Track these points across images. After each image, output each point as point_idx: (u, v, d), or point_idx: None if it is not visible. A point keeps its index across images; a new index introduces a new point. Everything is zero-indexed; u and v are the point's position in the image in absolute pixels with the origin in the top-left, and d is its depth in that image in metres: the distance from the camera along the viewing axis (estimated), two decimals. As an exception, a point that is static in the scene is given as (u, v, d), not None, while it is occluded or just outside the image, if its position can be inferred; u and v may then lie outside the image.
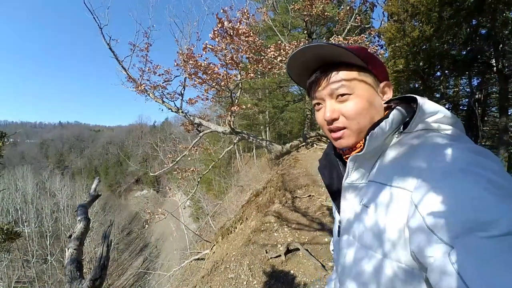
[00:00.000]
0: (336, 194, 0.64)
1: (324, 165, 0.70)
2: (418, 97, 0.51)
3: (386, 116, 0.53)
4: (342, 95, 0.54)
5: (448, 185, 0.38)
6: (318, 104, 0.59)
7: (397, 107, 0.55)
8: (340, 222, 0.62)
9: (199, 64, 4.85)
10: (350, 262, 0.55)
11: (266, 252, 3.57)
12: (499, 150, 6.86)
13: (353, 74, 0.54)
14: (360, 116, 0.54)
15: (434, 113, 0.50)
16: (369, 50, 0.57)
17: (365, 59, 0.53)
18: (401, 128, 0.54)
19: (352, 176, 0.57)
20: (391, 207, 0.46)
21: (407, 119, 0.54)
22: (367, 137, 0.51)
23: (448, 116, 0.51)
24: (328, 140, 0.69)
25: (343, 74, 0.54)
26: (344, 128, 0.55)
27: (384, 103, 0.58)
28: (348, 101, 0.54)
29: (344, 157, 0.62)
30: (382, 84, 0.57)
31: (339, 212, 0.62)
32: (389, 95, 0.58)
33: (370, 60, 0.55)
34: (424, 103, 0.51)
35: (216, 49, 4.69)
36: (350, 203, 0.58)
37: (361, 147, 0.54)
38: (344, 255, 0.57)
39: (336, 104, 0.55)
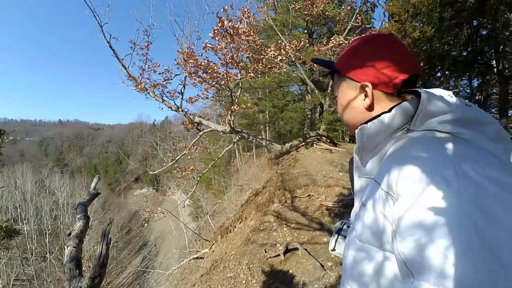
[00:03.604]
0: None
1: (352, 161, 0.70)
2: (423, 93, 0.48)
3: (389, 111, 0.51)
4: (336, 96, 0.65)
5: (412, 215, 0.38)
6: None
7: (406, 101, 0.52)
8: None
9: (199, 63, 4.84)
10: (350, 262, 0.54)
11: (265, 252, 3.58)
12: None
13: (336, 79, 0.64)
14: (342, 115, 0.63)
15: (442, 113, 0.46)
16: (361, 44, 0.58)
17: (341, 66, 0.60)
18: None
19: (361, 170, 0.59)
20: (380, 208, 0.46)
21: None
22: (356, 131, 0.55)
23: (462, 118, 0.46)
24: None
25: (334, 79, 0.65)
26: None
27: (401, 95, 0.56)
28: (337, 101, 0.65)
29: None
30: (358, 86, 0.57)
31: None
32: (368, 96, 0.55)
33: (346, 66, 0.59)
34: (430, 101, 0.47)
35: (216, 48, 4.68)
36: (357, 200, 0.59)
37: None
38: (346, 255, 0.56)
39: None
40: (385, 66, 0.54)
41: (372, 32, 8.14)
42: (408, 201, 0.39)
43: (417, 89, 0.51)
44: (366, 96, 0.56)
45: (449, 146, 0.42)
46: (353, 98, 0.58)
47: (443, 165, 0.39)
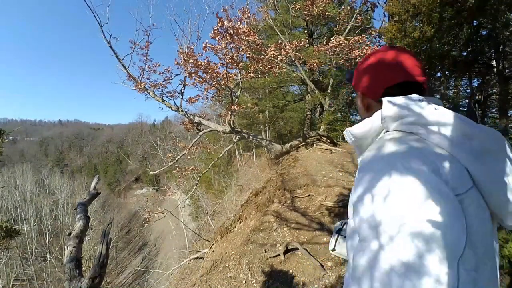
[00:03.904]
0: None
1: None
2: (384, 101, 0.55)
3: (371, 115, 0.60)
4: None
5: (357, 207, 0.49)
6: None
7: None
8: None
9: (199, 63, 4.84)
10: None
11: (265, 252, 3.58)
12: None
13: None
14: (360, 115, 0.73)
15: (402, 117, 0.53)
16: (367, 60, 0.69)
17: (353, 79, 0.73)
18: None
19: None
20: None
21: None
22: (344, 133, 0.64)
23: (422, 120, 0.51)
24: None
25: None
26: None
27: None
28: None
29: None
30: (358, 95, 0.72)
31: None
32: (363, 103, 0.69)
33: (354, 79, 0.73)
34: (386, 107, 0.54)
35: (216, 48, 4.68)
36: None
37: None
38: (349, 257, 0.57)
39: None
40: (369, 79, 0.66)
41: (372, 33, 8.15)
42: (356, 189, 0.50)
43: (383, 98, 0.57)
44: (362, 102, 0.69)
45: (400, 144, 0.50)
46: (359, 103, 0.72)
47: (386, 161, 0.48)
